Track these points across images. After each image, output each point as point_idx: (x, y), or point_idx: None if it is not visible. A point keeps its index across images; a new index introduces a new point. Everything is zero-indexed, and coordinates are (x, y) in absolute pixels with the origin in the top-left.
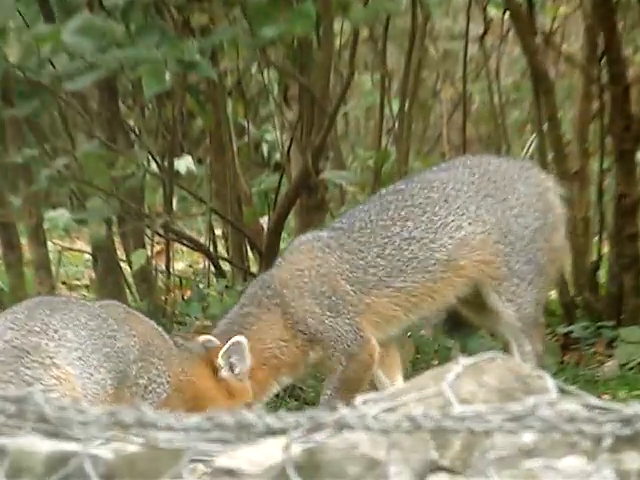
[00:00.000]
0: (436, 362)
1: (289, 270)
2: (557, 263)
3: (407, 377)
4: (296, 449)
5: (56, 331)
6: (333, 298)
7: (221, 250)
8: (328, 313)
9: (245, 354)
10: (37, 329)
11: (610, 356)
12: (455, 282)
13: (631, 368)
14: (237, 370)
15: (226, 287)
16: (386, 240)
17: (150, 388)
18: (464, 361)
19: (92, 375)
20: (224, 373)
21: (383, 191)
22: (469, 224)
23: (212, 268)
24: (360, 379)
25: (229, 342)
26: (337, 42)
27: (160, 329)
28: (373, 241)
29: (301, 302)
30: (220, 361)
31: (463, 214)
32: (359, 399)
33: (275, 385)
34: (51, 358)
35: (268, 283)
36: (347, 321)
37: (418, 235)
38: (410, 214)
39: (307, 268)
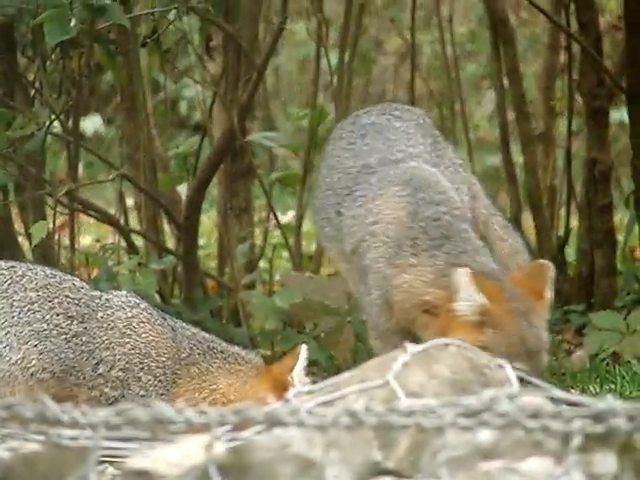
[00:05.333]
0: None
1: None
2: None
3: (347, 368)
4: (220, 448)
5: None
6: None
7: (133, 222)
8: None
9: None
10: None
11: (579, 345)
12: None
13: (603, 359)
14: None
15: (139, 264)
16: None
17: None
18: (412, 348)
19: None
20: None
21: None
22: None
23: (123, 243)
24: None
25: (301, 356)
26: None
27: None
28: None
29: None
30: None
31: None
32: (290, 391)
33: None
34: None
35: None
36: None
37: None
38: None
39: None
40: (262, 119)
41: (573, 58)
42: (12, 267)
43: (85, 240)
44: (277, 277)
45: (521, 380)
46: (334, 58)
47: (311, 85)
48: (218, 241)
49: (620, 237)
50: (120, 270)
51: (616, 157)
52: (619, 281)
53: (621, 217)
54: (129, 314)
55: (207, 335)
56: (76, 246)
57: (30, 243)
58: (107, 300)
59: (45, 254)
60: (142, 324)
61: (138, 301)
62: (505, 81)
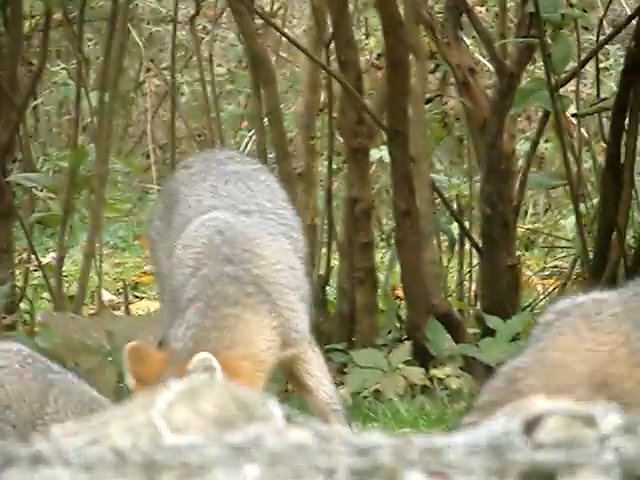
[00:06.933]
0: None
1: None
2: None
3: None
4: None
5: None
6: None
7: None
8: None
9: None
10: None
11: (342, 383)
12: None
13: (365, 397)
14: None
15: None
16: None
17: None
18: (176, 386)
19: None
20: None
21: None
22: None
23: None
24: None
25: None
26: (27, 25)
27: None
28: None
29: None
30: None
31: None
32: (56, 429)
33: None
34: None
35: None
36: None
37: None
38: None
39: None
40: (22, 160)
41: (333, 97)
42: None
43: None
44: (38, 318)
45: (288, 418)
46: (94, 99)
47: (71, 126)
48: None
49: (381, 275)
50: None
51: (376, 196)
52: (380, 319)
53: (382, 256)
54: None
55: (89, 391)
56: None
57: None
58: None
59: None
60: (9, 376)
61: (9, 347)
62: (265, 121)
